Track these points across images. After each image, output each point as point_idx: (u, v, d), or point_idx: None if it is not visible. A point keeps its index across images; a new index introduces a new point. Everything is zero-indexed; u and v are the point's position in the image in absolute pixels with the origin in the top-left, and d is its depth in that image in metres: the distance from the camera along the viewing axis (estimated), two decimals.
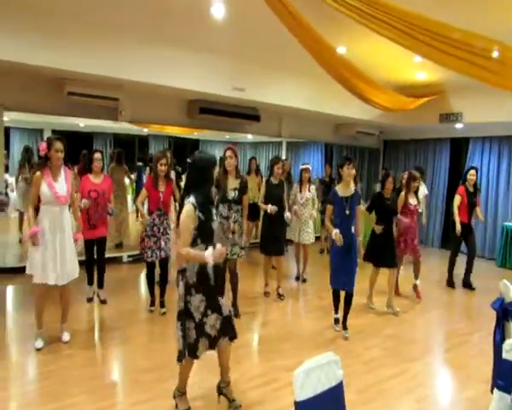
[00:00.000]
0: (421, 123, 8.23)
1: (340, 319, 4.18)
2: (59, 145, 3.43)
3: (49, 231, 3.43)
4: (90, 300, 4.65)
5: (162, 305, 4.50)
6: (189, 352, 2.58)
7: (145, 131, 10.43)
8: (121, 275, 5.91)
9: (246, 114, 7.14)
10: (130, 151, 10.27)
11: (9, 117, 5.93)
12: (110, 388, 3.14)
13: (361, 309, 4.80)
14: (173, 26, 4.90)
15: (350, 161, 3.94)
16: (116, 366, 3.55)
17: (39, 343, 3.57)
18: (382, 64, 6.18)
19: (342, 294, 4.13)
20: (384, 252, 4.68)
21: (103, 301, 4.66)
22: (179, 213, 2.60)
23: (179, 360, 2.61)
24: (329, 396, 1.66)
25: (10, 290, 5.16)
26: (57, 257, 3.45)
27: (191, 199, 2.51)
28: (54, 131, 9.85)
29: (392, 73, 6.73)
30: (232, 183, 4.19)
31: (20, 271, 5.54)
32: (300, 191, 5.68)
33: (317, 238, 8.32)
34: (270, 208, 4.86)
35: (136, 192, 7.77)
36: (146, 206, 4.47)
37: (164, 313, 4.42)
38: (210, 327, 2.60)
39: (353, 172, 3.96)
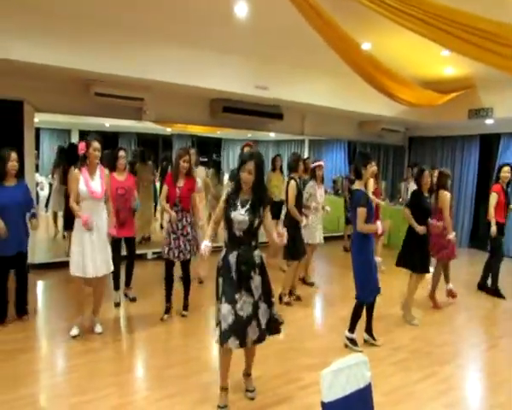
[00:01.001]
0: (449, 119, 7.97)
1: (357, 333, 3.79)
2: (96, 145, 3.61)
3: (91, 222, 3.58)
4: (117, 305, 4.60)
5: (185, 308, 4.39)
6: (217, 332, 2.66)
7: (168, 130, 10.59)
8: (146, 272, 6.00)
9: (269, 113, 7.10)
10: (153, 150, 10.46)
11: (39, 118, 6.14)
12: (136, 382, 3.20)
13: (385, 310, 4.69)
14: (197, 27, 4.93)
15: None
16: (142, 362, 3.61)
17: (75, 331, 3.75)
18: (408, 59, 6.03)
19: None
20: (417, 255, 4.36)
21: (133, 299, 4.72)
22: None
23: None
24: (357, 398, 1.62)
25: (41, 285, 5.32)
26: (94, 251, 3.60)
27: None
28: (81, 132, 10.17)
29: (418, 68, 6.56)
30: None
31: (51, 266, 5.75)
32: (318, 188, 5.43)
33: (341, 237, 8.26)
34: (305, 223, 4.75)
35: (161, 190, 7.97)
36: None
37: (184, 316, 4.33)
38: (222, 316, 2.59)
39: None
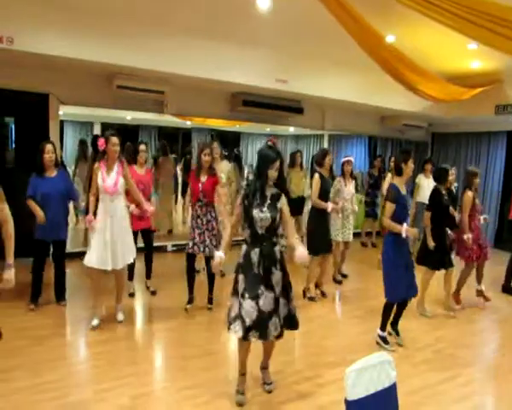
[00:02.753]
0: (475, 115, 7.74)
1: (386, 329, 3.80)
2: (115, 140, 3.68)
3: (102, 218, 3.65)
4: (131, 294, 4.65)
5: (210, 301, 4.41)
6: (229, 324, 2.70)
7: (188, 124, 10.64)
8: (166, 264, 6.07)
9: (289, 107, 7.05)
10: (174, 143, 10.54)
11: (63, 111, 6.25)
12: (156, 373, 3.25)
13: (409, 309, 4.55)
14: (218, 20, 4.92)
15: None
16: (163, 353, 3.66)
17: (95, 321, 3.81)
18: (434, 53, 5.87)
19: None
20: (444, 251, 4.38)
21: (153, 293, 4.76)
22: None
23: (229, 328, 2.73)
24: (382, 397, 1.60)
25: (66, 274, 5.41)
26: (110, 243, 3.65)
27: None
28: (103, 124, 10.30)
29: (444, 61, 6.38)
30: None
31: (74, 256, 5.84)
32: (345, 185, 5.34)
33: (357, 234, 8.15)
34: (332, 207, 4.57)
35: (183, 183, 8.09)
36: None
37: (210, 309, 4.36)
38: (245, 312, 2.61)
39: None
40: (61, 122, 7.29)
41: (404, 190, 3.59)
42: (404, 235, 3.45)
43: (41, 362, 3.17)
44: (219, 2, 4.41)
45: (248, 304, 2.62)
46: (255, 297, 2.62)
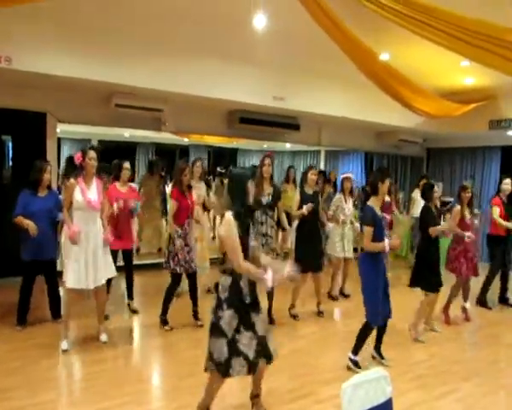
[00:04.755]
0: (470, 130, 7.84)
1: (370, 352, 3.72)
2: (92, 154, 3.64)
3: (81, 236, 3.57)
4: (106, 317, 4.36)
5: (196, 316, 4.36)
6: (219, 370, 2.47)
7: (186, 140, 10.70)
8: (149, 282, 5.97)
9: (285, 123, 7.13)
10: (171, 160, 10.58)
11: (60, 128, 6.29)
12: (152, 392, 3.20)
13: (401, 324, 4.41)
14: (215, 39, 5.01)
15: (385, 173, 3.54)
16: (156, 372, 3.61)
17: (64, 345, 3.65)
18: (427, 69, 5.98)
19: None
20: (438, 272, 4.27)
21: (135, 311, 4.71)
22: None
23: (205, 369, 2.56)
24: None
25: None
26: (90, 261, 3.60)
27: (229, 213, 2.49)
28: (100, 141, 10.36)
29: (437, 78, 6.50)
30: (267, 188, 4.34)
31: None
32: (346, 202, 5.38)
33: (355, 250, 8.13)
34: (306, 207, 4.46)
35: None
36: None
37: (201, 326, 4.25)
38: (244, 346, 2.45)
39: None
40: (58, 139, 7.32)
41: (379, 211, 3.51)
42: (387, 250, 3.41)
43: (34, 382, 3.12)
44: (217, 22, 4.50)
45: (247, 337, 2.47)
46: (252, 326, 2.51)
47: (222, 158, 12.30)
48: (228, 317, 2.46)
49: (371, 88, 5.41)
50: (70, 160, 7.48)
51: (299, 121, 7.28)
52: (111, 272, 3.85)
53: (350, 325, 4.55)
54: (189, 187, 4.35)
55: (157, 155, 10.85)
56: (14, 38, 4.34)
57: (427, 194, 4.41)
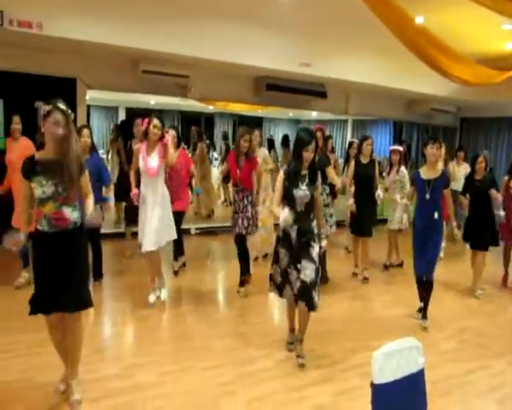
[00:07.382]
0: (507, 98, 7.44)
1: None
2: (156, 122, 3.70)
3: (143, 198, 3.76)
4: (175, 273, 4.84)
5: (241, 284, 4.36)
6: (275, 289, 3.14)
7: (210, 108, 10.65)
8: (191, 246, 6.06)
9: (312, 91, 6.96)
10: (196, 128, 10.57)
11: (89, 96, 6.36)
12: (182, 351, 3.27)
13: (439, 296, 4.40)
14: (242, 4, 4.84)
15: (434, 141, 3.71)
16: (189, 332, 3.70)
17: (152, 298, 3.99)
18: (465, 34, 5.63)
19: None
20: (479, 234, 4.58)
21: (176, 273, 4.85)
22: None
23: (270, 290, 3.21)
24: (409, 383, 1.60)
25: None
26: (147, 224, 3.72)
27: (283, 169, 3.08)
28: (127, 109, 10.45)
29: (476, 43, 6.12)
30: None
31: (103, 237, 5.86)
32: (388, 175, 5.43)
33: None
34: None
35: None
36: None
37: (238, 292, 4.33)
38: (294, 279, 2.94)
39: (439, 152, 3.76)
40: (88, 107, 7.43)
41: (429, 175, 3.74)
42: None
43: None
44: None
45: (294, 275, 2.94)
46: (298, 270, 2.92)
47: (248, 126, 12.19)
48: (282, 254, 3.03)
49: (402, 54, 5.15)
50: (117, 127, 7.76)
51: (326, 89, 7.07)
52: (169, 235, 3.91)
53: (390, 297, 4.61)
54: (248, 155, 4.23)
55: (183, 123, 10.90)
56: (44, 4, 4.35)
57: (473, 165, 4.77)
